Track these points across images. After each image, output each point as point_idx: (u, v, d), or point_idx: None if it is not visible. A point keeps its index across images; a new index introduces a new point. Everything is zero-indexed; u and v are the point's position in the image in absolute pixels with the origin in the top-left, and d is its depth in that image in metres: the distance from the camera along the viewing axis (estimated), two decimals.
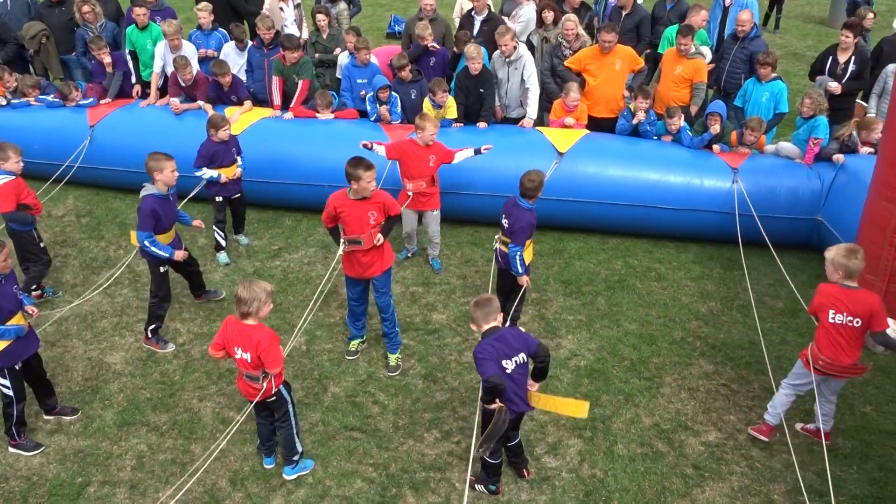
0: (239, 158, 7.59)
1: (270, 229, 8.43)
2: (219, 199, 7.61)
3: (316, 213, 8.54)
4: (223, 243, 7.78)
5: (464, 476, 5.17)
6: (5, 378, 5.13)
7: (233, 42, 9.41)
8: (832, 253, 5.04)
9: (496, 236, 6.39)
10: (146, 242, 6.04)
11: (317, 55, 9.58)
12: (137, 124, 8.84)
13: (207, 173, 7.35)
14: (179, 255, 6.25)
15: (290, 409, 5.01)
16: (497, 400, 4.51)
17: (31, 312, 5.21)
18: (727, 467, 5.29)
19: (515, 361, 4.60)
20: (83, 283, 7.28)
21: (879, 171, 6.39)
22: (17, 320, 5.04)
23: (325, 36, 9.64)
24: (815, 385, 5.18)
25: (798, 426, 5.67)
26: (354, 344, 6.39)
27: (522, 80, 8.68)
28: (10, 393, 5.20)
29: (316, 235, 8.30)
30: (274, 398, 4.90)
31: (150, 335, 6.46)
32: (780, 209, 7.71)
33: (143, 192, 6.07)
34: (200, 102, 8.89)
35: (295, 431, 5.06)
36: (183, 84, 8.84)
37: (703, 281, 7.56)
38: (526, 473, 5.15)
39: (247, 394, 4.89)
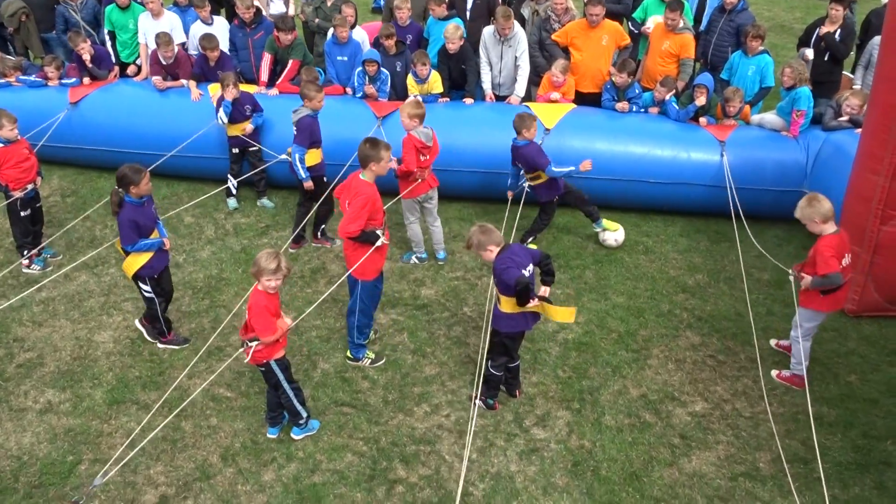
0: (254, 116, 8.07)
1: (257, 206, 8.40)
2: (235, 150, 8.15)
3: None
4: (233, 190, 8.33)
5: (453, 448, 5.22)
6: (146, 284, 5.89)
7: (199, 20, 9.23)
8: (799, 212, 5.45)
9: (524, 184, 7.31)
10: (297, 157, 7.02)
11: (317, 20, 9.47)
12: (120, 103, 8.74)
13: (223, 119, 7.89)
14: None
15: (284, 384, 5.09)
16: (533, 299, 4.99)
17: (165, 243, 5.94)
18: (713, 437, 5.36)
19: (528, 270, 5.03)
20: (69, 263, 7.23)
21: (864, 144, 6.41)
22: (154, 235, 5.82)
23: (329, 3, 9.50)
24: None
25: (773, 374, 5.94)
26: (372, 354, 6.13)
27: (515, 58, 8.61)
28: (151, 294, 5.94)
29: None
30: (264, 369, 5.01)
31: (319, 235, 7.62)
32: (766, 181, 7.75)
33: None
34: (184, 81, 8.79)
35: (295, 400, 5.17)
36: (164, 62, 8.74)
37: (690, 254, 7.60)
38: (518, 394, 5.66)
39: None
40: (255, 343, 4.82)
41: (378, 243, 5.51)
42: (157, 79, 8.72)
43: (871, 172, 6.22)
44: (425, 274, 7.20)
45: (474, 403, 5.47)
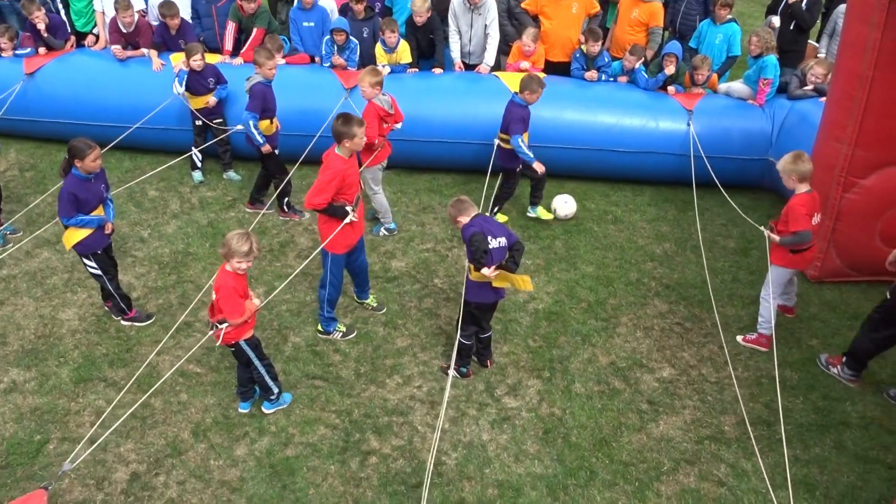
0: (217, 89, 7.90)
1: (223, 180, 8.27)
2: (198, 122, 7.94)
3: None
4: (198, 163, 8.19)
5: (426, 419, 5.26)
6: (90, 260, 5.73)
7: None
8: (782, 163, 5.56)
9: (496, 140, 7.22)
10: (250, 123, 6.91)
11: None
12: (78, 74, 8.49)
13: (178, 90, 7.77)
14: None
15: (256, 361, 5.04)
16: (488, 268, 5.01)
17: (106, 226, 5.73)
18: (680, 402, 5.47)
19: (499, 242, 5.09)
20: (30, 239, 7.07)
21: (829, 112, 6.49)
22: (98, 212, 5.64)
23: None
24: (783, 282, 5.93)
25: (739, 339, 6.07)
26: (343, 325, 6.10)
27: (485, 26, 8.52)
28: (98, 271, 5.78)
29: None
30: (234, 350, 4.97)
31: (286, 208, 7.51)
32: (733, 150, 7.83)
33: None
34: (145, 50, 8.57)
35: (267, 376, 5.14)
36: (124, 30, 8.49)
37: (658, 223, 7.67)
38: (489, 364, 5.72)
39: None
40: (225, 325, 4.75)
41: (347, 219, 5.46)
42: (117, 48, 8.47)
43: (834, 140, 6.31)
44: (395, 246, 7.18)
45: (448, 374, 5.49)
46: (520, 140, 6.89)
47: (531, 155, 6.96)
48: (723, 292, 6.53)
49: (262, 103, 6.95)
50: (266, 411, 5.26)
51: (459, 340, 5.43)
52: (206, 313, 6.08)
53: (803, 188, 5.55)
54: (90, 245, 5.68)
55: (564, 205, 7.57)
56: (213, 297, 4.80)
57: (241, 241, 4.62)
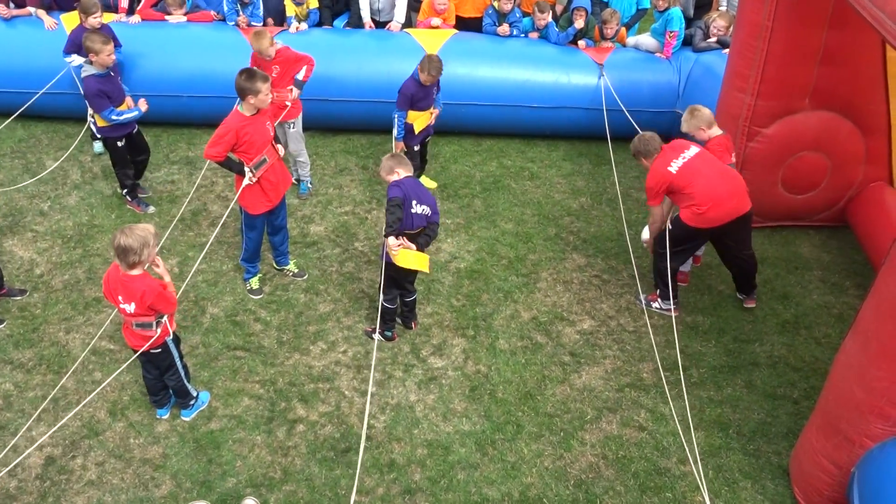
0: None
1: None
2: None
3: (175, 126, 8.06)
4: (96, 133, 7.34)
5: (353, 384, 5.24)
6: None
7: None
8: (685, 124, 5.82)
9: None
10: (113, 117, 6.23)
11: None
12: None
13: (77, 60, 7.02)
14: None
15: (177, 362, 4.72)
16: (397, 238, 4.92)
17: None
18: (601, 352, 5.63)
19: (422, 209, 5.06)
20: None
21: (731, 63, 6.67)
22: None
23: None
24: None
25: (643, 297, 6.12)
26: (256, 281, 6.01)
27: None
28: None
29: (178, 151, 7.83)
30: (160, 350, 4.58)
31: (129, 198, 6.90)
32: (642, 102, 7.98)
33: None
34: (31, 9, 7.97)
35: (185, 379, 4.82)
36: None
37: (573, 177, 7.79)
38: (414, 325, 5.72)
39: (133, 344, 4.54)
40: (162, 323, 4.43)
41: (246, 180, 5.34)
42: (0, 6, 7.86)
43: (737, 91, 6.50)
44: (313, 210, 7.03)
45: (374, 338, 5.47)
46: (396, 116, 6.62)
47: (397, 134, 6.70)
48: (638, 243, 6.71)
49: (101, 100, 6.15)
50: (186, 419, 4.92)
51: (383, 305, 5.39)
52: None
53: (717, 131, 5.79)
54: None
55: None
56: (124, 306, 4.32)
57: (149, 234, 4.20)
